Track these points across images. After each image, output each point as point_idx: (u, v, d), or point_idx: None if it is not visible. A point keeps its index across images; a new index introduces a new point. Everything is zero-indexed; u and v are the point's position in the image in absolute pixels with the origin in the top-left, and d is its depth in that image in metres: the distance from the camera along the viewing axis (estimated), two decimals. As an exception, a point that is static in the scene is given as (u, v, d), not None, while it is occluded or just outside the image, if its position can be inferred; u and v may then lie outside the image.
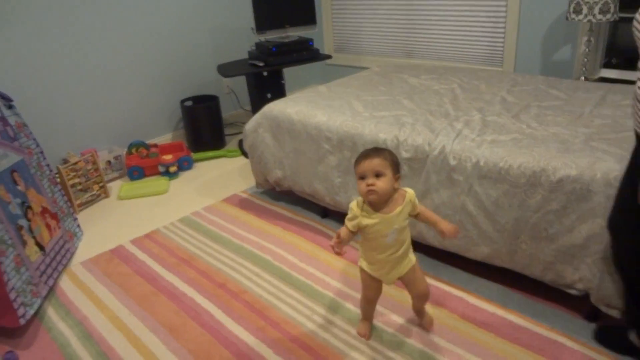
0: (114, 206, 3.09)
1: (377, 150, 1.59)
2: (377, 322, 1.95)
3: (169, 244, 2.61)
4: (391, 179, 1.56)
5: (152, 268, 2.41)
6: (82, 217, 2.97)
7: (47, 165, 2.60)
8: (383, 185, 1.54)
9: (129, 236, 2.71)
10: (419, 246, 2.34)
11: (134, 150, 3.45)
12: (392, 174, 1.56)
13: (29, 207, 2.30)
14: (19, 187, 2.28)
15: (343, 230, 1.63)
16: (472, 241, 2.05)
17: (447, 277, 2.18)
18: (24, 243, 2.16)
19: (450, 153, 2.04)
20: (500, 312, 1.96)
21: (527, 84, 2.79)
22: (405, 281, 1.76)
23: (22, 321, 1.98)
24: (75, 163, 3.02)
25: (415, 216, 1.68)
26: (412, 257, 1.75)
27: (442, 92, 2.73)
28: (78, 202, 3.03)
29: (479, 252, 2.05)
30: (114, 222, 2.89)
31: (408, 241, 1.70)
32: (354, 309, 2.02)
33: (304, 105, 2.65)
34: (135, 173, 3.36)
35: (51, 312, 2.15)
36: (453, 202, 2.06)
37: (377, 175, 1.54)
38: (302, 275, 2.26)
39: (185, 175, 3.44)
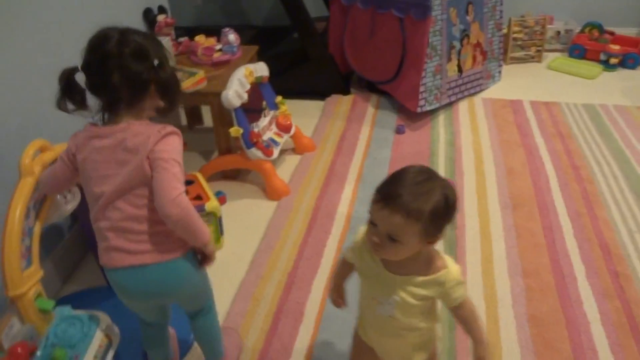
0: (539, 71, 3.31)
1: (412, 194, 0.90)
2: None
3: (558, 116, 2.73)
4: (414, 246, 0.95)
5: (530, 126, 2.65)
6: (508, 68, 3.31)
7: (500, 11, 2.97)
8: (395, 253, 0.95)
9: (531, 97, 2.95)
10: None
11: (587, 30, 3.44)
12: (418, 239, 0.94)
13: (467, 36, 2.79)
14: (468, 18, 2.76)
15: (337, 272, 1.21)
16: None
17: None
18: (449, 59, 2.71)
19: None
20: None
21: None
22: None
23: (418, 109, 2.62)
24: (526, 20, 3.30)
25: (454, 311, 1.04)
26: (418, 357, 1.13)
27: None
28: (511, 55, 3.37)
29: None
30: (528, 81, 3.15)
31: (417, 338, 1.09)
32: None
33: None
34: (577, 52, 3.40)
35: (440, 117, 2.74)
36: None
37: (392, 239, 0.93)
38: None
39: (623, 72, 3.26)
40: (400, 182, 0.92)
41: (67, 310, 1.29)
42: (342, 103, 2.94)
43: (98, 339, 1.22)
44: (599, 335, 1.54)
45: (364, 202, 2.11)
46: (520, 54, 3.40)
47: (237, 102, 2.06)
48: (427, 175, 0.94)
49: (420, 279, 0.99)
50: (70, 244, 1.83)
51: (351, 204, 2.12)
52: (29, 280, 1.18)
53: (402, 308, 1.01)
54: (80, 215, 1.64)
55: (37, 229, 1.24)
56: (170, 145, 1.08)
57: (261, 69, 2.28)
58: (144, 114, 1.13)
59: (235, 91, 2.05)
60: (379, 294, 1.03)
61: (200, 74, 2.15)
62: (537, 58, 3.42)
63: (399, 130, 2.60)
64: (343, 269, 1.17)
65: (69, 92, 1.08)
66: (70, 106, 1.10)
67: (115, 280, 1.13)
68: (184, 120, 2.82)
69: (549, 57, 3.47)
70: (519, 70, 3.32)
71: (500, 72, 3.14)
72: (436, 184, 0.93)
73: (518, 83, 3.14)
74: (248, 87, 2.15)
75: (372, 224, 0.95)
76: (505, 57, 3.34)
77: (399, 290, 1.00)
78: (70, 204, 1.37)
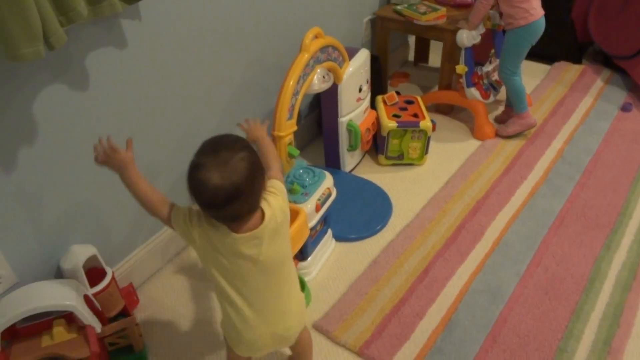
0: None
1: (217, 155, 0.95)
2: None
3: None
4: None
5: None
6: None
7: None
8: None
9: None
10: None
11: None
12: None
13: None
14: None
15: None
16: None
17: None
18: None
19: None
20: None
21: None
22: None
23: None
24: None
25: None
26: None
27: None
28: None
29: None
30: None
31: None
32: None
33: None
34: None
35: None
36: None
37: None
38: None
39: None
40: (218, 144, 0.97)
41: (304, 163, 1.66)
42: (569, 71, 2.89)
43: (323, 187, 1.56)
44: None
45: (568, 162, 2.15)
46: None
47: (469, 42, 2.22)
48: (234, 149, 0.96)
49: None
50: (305, 127, 2.23)
51: (553, 160, 2.17)
52: (288, 128, 1.55)
53: None
54: (324, 106, 1.97)
55: (301, 93, 1.60)
56: None
57: (499, 18, 2.39)
58: None
59: (471, 31, 2.21)
60: None
61: (443, 10, 2.34)
62: None
63: (625, 108, 2.50)
64: None
65: None
66: None
67: (538, 25, 2.10)
68: (411, 56, 3.06)
69: None
70: None
71: None
72: (235, 156, 0.95)
73: None
74: (483, 30, 2.28)
75: None
76: None
77: None
78: (325, 84, 1.72)
